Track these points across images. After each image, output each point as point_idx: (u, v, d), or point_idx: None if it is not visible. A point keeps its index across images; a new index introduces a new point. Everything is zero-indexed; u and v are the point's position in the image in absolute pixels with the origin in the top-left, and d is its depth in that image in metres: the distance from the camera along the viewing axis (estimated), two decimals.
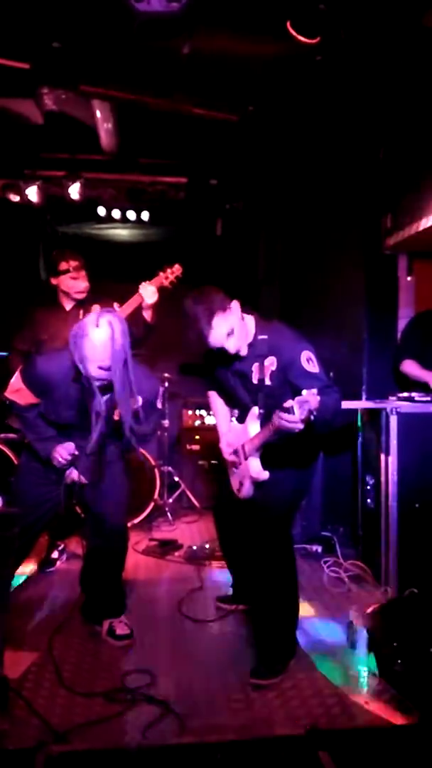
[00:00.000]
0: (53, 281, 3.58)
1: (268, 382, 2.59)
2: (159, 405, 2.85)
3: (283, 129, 4.49)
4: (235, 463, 2.79)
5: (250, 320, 2.67)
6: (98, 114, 4.50)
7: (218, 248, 5.91)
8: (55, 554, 3.94)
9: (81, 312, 3.62)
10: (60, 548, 4.01)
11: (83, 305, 3.62)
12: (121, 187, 5.59)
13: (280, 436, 2.39)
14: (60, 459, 2.69)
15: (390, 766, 2.00)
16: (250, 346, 2.63)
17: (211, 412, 4.35)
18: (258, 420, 2.64)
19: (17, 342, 3.74)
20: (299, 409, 2.15)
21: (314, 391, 2.16)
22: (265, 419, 2.56)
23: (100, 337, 2.34)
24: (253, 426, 2.66)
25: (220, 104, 4.09)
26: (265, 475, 2.63)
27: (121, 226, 5.97)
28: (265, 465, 2.64)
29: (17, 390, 2.68)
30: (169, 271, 3.50)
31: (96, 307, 3.66)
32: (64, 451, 2.69)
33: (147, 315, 3.44)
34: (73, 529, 4.05)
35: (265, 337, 2.60)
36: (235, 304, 2.58)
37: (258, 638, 2.78)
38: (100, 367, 2.38)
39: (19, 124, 4.68)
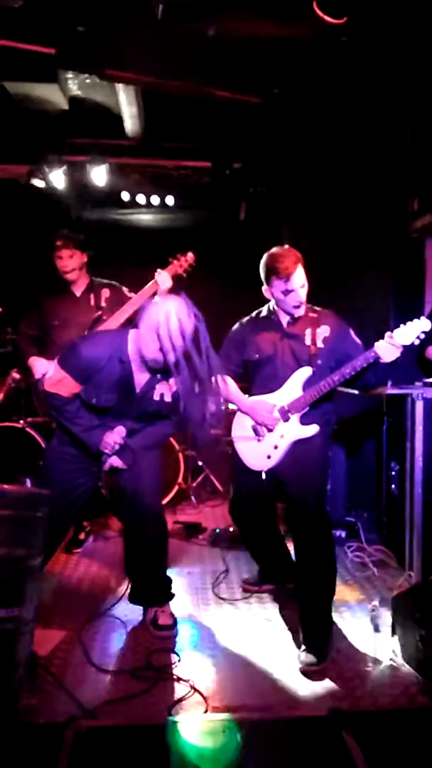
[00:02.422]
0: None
1: (320, 345, 2.80)
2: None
3: (308, 112, 4.43)
4: (270, 427, 2.84)
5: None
6: (123, 98, 4.50)
7: (242, 232, 5.90)
8: (82, 535, 4.01)
9: (92, 297, 3.69)
10: (87, 529, 4.07)
11: (93, 290, 3.70)
12: (145, 172, 5.58)
13: (367, 367, 2.64)
14: (113, 444, 2.66)
15: (412, 747, 2.02)
16: (302, 317, 2.87)
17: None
18: (302, 382, 2.78)
19: (25, 327, 3.82)
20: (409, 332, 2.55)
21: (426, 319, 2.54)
22: (315, 380, 2.75)
23: (177, 326, 2.36)
24: (295, 388, 2.80)
25: (246, 87, 4.05)
26: (314, 428, 2.77)
27: (146, 211, 5.97)
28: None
29: (59, 381, 2.62)
30: (183, 259, 3.61)
31: (105, 291, 3.73)
32: (117, 436, 2.66)
33: None
34: (99, 509, 4.11)
35: (314, 315, 2.88)
36: None
37: (305, 622, 2.71)
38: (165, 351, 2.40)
39: (44, 109, 4.69)
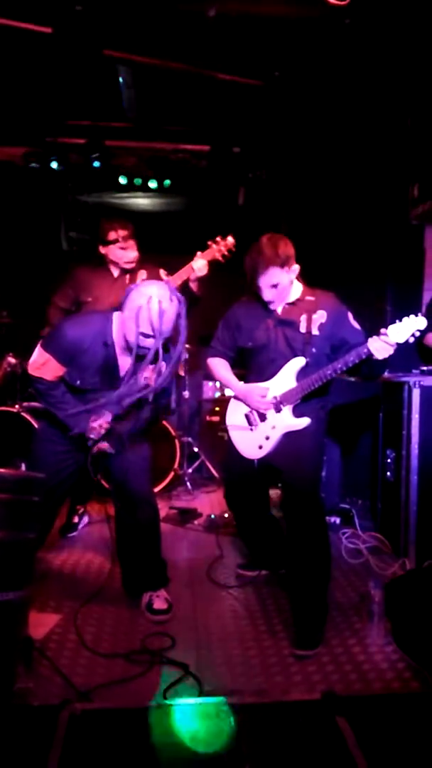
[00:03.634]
0: (102, 250, 3.55)
1: (315, 332, 2.73)
2: (182, 372, 2.85)
3: (309, 95, 4.40)
4: (263, 411, 2.82)
5: (297, 286, 2.84)
6: (121, 80, 4.44)
7: (240, 218, 5.85)
8: (75, 519, 4.01)
9: (128, 278, 3.59)
10: (80, 513, 4.06)
11: (130, 270, 3.60)
12: (142, 155, 5.54)
13: (355, 365, 2.56)
14: (99, 429, 2.65)
15: (406, 732, 2.04)
16: (298, 301, 2.80)
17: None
18: (296, 372, 2.74)
19: (58, 299, 3.72)
20: (404, 330, 2.43)
21: (422, 317, 2.43)
22: (309, 369, 2.70)
23: (158, 309, 2.37)
24: (288, 378, 2.76)
25: (246, 69, 4.01)
26: (306, 421, 2.74)
27: (143, 194, 5.92)
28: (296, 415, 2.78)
29: (43, 364, 2.62)
30: (222, 243, 3.43)
31: (142, 272, 3.65)
32: (102, 421, 2.65)
33: (194, 286, 3.43)
34: (92, 492, 4.11)
35: (312, 298, 2.79)
36: (296, 268, 2.75)
37: (297, 608, 2.71)
38: (146, 335, 2.41)
39: (41, 90, 4.63)
